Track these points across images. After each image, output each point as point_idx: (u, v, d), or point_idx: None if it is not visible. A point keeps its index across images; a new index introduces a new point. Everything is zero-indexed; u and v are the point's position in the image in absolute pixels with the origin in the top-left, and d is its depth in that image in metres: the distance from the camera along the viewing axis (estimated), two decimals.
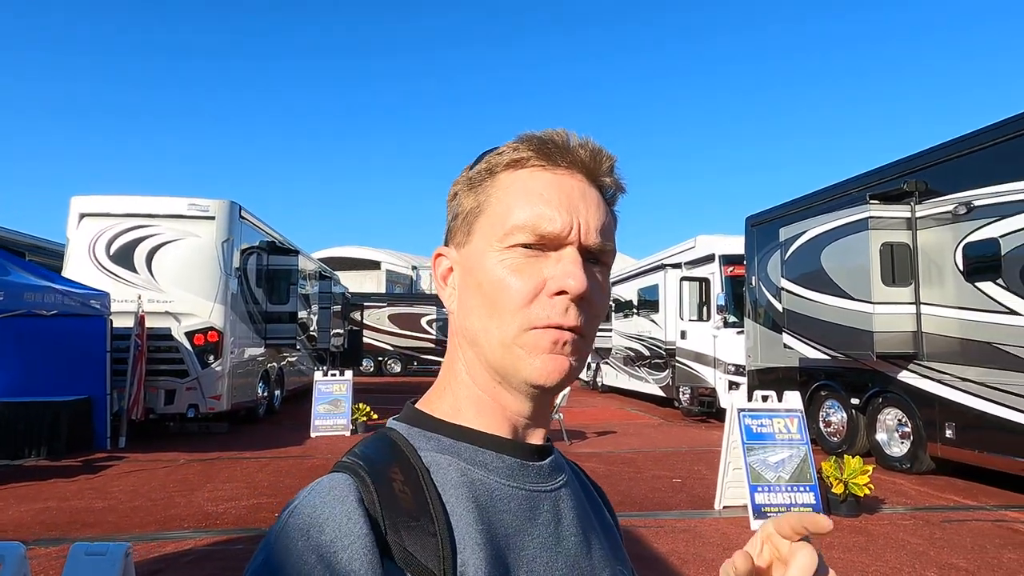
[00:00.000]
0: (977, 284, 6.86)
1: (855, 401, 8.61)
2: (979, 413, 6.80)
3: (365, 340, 25.09)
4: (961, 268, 7.08)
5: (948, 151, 7.36)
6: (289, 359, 13.71)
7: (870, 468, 5.77)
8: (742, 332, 11.46)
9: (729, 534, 5.28)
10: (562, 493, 0.66)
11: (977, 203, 6.90)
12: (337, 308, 18.44)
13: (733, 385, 11.93)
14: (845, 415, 8.86)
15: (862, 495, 5.65)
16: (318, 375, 10.89)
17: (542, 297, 0.61)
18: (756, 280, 10.86)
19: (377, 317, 25.44)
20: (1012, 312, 6.47)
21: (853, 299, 8.01)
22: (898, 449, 8.00)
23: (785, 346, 9.57)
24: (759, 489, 5.51)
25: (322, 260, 51.10)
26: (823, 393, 9.29)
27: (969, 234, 6.98)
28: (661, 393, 14.83)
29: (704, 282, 12.77)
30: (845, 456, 5.86)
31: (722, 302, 12.26)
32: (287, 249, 12.55)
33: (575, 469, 0.77)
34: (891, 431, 8.15)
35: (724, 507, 6.00)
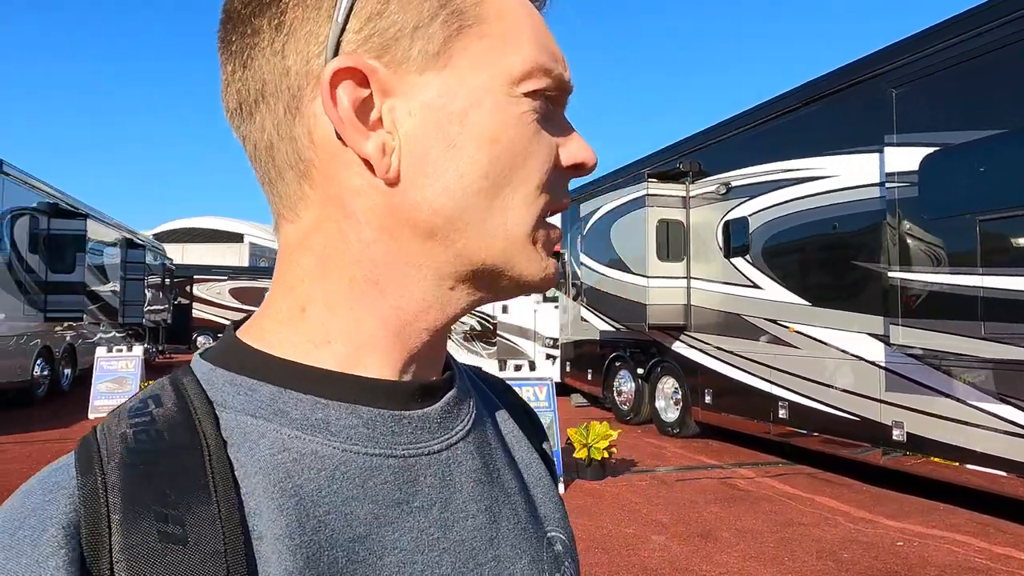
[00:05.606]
0: (732, 260, 7.34)
1: (640, 371, 9.04)
2: (727, 379, 7.33)
3: (203, 316, 23.60)
4: (721, 245, 7.55)
5: (717, 133, 7.79)
6: (85, 335, 12.49)
7: (613, 434, 6.02)
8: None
9: None
10: (460, 449, 0.46)
11: (734, 184, 7.36)
12: (157, 280, 17.08)
13: (550, 358, 12.25)
14: (634, 384, 9.29)
15: (599, 458, 5.89)
16: (101, 351, 9.97)
17: (556, 172, 0.45)
18: (568, 255, 11.14)
19: (217, 291, 23.93)
20: (755, 286, 6.98)
21: (633, 273, 8.36)
22: (672, 415, 8.50)
23: (582, 319, 9.88)
24: None
25: (173, 231, 47.52)
26: (617, 364, 9.70)
27: (727, 213, 7.44)
28: (496, 367, 15.02)
29: None
30: (592, 423, 6.08)
31: None
32: (73, 212, 11.33)
33: (486, 386, 0.57)
34: (668, 398, 8.64)
35: None
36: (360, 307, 0.43)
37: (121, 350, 10.12)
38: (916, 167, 4.83)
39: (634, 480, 6.08)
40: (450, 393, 0.47)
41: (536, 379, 5.99)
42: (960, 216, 4.53)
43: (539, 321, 12.60)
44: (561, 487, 5.62)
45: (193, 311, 23.28)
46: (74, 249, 11.06)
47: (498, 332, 13.48)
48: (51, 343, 10.89)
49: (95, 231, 12.26)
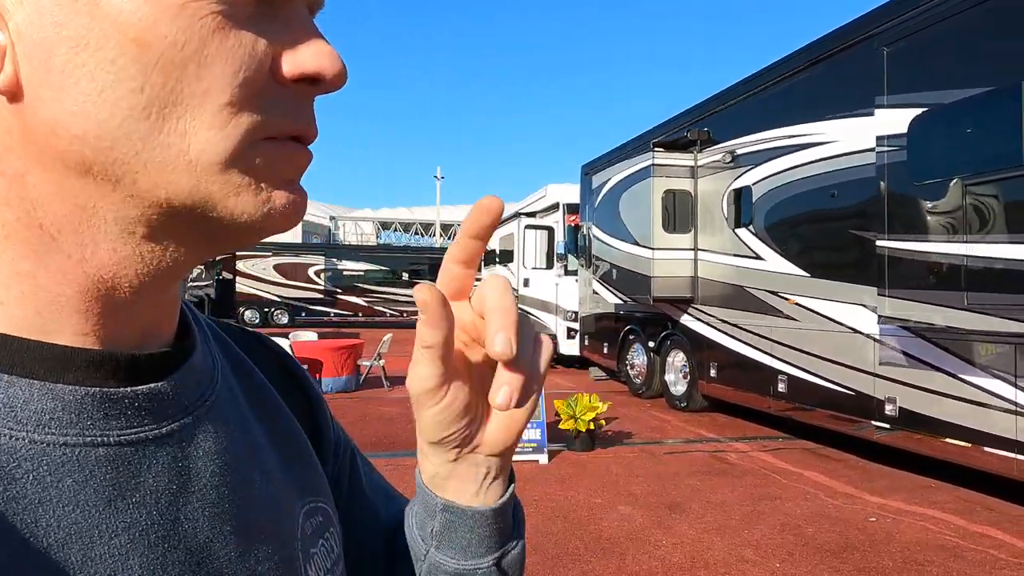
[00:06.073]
0: (736, 231, 7.15)
1: (652, 344, 8.96)
2: (731, 352, 7.20)
3: (248, 291, 24.45)
4: (726, 215, 7.36)
5: (724, 99, 7.54)
6: None
7: (601, 406, 6.02)
8: None
9: None
10: (199, 429, 0.39)
11: (739, 152, 7.13)
12: None
13: (572, 332, 12.24)
14: (646, 358, 9.21)
15: (584, 430, 5.90)
16: None
17: (272, 84, 0.34)
18: (586, 228, 11.04)
19: (262, 267, 24.71)
20: (758, 257, 6.79)
21: (639, 245, 8.24)
22: (680, 388, 8.41)
23: (594, 292, 9.83)
24: None
25: None
26: (631, 338, 9.62)
27: (732, 182, 7.23)
28: None
29: (549, 231, 12.90)
30: (579, 395, 6.08)
31: (562, 250, 12.45)
32: None
33: (244, 351, 0.50)
34: (677, 372, 8.54)
35: None
36: (26, 260, 0.33)
37: None
38: (905, 129, 4.59)
39: (623, 452, 6.08)
40: (186, 364, 0.39)
41: None
42: (946, 180, 4.29)
43: (561, 295, 12.57)
44: (545, 458, 5.67)
45: (238, 286, 24.14)
46: None
47: (520, 305, 13.53)
48: None
49: None
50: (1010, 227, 3.96)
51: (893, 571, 3.50)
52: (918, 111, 4.50)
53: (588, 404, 5.96)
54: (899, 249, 4.67)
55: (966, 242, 4.16)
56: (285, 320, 24.96)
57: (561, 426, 5.98)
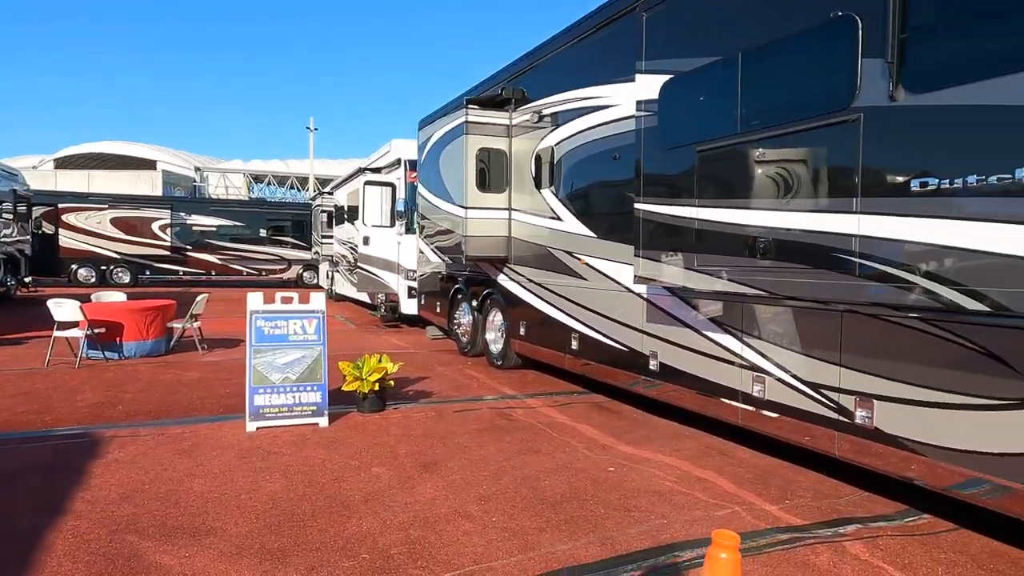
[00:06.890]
0: (541, 191, 7.22)
1: (475, 304, 9.00)
2: (536, 311, 7.35)
3: (83, 247, 22.33)
4: (533, 175, 7.41)
5: (536, 57, 7.51)
6: None
7: (390, 367, 5.96)
8: None
9: (218, 436, 5.17)
10: None
11: (544, 112, 7.16)
12: (8, 207, 15.89)
13: (413, 291, 12.10)
14: (471, 317, 9.26)
15: (368, 390, 5.84)
16: None
17: None
18: (420, 185, 10.84)
19: (96, 220, 22.59)
20: (557, 218, 6.90)
21: (454, 204, 8.17)
22: (497, 347, 8.54)
23: (420, 251, 9.72)
24: (260, 391, 5.45)
25: (76, 157, 44.76)
26: (459, 297, 9.62)
27: (539, 143, 7.27)
28: (368, 299, 14.83)
29: (392, 187, 12.59)
30: (365, 356, 5.99)
31: (402, 208, 12.21)
32: None
33: None
34: (496, 331, 8.65)
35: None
36: None
37: None
38: (656, 96, 4.72)
39: (413, 412, 6.08)
40: None
41: (306, 312, 5.81)
42: (683, 146, 4.48)
43: (402, 253, 12.37)
44: (325, 420, 5.55)
45: (67, 241, 21.99)
46: None
47: (359, 264, 13.22)
48: None
49: None
50: (726, 193, 4.19)
51: (601, 518, 3.69)
52: (666, 78, 4.64)
53: (375, 365, 5.87)
54: (649, 212, 4.85)
55: (696, 207, 4.37)
56: (127, 279, 23.09)
57: (345, 388, 5.87)
